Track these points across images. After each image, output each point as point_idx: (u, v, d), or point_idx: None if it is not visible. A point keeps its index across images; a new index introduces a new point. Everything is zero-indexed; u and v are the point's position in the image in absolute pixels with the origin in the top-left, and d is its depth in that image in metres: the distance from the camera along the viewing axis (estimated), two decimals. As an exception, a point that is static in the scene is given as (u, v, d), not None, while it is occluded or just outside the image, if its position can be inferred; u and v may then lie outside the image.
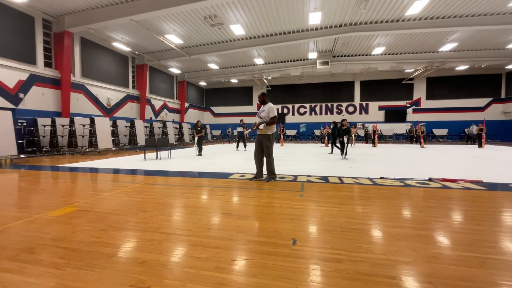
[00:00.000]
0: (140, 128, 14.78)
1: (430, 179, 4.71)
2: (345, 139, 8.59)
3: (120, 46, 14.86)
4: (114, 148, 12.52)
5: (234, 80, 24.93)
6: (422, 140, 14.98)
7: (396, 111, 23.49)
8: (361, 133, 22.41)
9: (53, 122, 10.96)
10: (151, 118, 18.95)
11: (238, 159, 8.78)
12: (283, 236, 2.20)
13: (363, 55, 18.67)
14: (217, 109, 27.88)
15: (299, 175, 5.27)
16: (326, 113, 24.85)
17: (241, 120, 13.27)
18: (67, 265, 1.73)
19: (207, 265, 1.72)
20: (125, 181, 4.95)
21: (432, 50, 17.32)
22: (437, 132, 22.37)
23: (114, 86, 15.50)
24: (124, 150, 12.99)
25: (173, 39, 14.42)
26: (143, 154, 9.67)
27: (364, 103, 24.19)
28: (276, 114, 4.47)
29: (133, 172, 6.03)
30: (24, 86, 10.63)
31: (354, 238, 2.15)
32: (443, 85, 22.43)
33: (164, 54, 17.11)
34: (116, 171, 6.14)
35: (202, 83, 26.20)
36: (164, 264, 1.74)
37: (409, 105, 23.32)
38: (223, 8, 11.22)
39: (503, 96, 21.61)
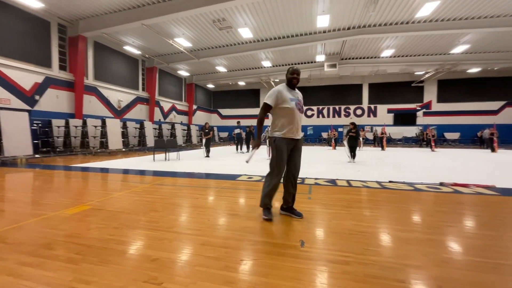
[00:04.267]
0: (149, 130, 15.04)
1: (441, 184, 4.62)
2: (345, 143, 8.60)
3: (131, 49, 15.24)
4: (124, 149, 12.79)
5: (241, 83, 25.10)
6: (433, 144, 14.67)
7: (405, 114, 23.11)
8: (370, 136, 22.12)
9: (67, 123, 11.30)
10: (160, 120, 19.27)
11: (245, 160, 8.81)
12: (291, 238, 2.22)
13: (371, 57, 18.51)
14: (225, 111, 28.10)
15: (306, 177, 5.27)
16: (333, 116, 24.68)
17: (238, 122, 13.30)
18: (83, 260, 1.80)
19: (216, 264, 1.76)
20: (135, 181, 5.06)
21: (443, 52, 17.01)
22: (449, 135, 21.85)
23: (125, 88, 15.88)
24: (133, 151, 13.26)
25: (182, 42, 14.68)
26: (152, 155, 9.85)
27: (372, 106, 23.90)
28: (266, 101, 2.62)
29: (142, 172, 6.16)
30: (40, 89, 11.02)
31: (362, 241, 2.14)
32: (455, 87, 21.95)
33: (173, 57, 17.43)
34: (126, 172, 6.28)
35: (210, 86, 26.49)
36: (175, 262, 1.79)
37: (419, 108, 22.90)
38: (232, 11, 11.37)
39: (518, 99, 20.96)
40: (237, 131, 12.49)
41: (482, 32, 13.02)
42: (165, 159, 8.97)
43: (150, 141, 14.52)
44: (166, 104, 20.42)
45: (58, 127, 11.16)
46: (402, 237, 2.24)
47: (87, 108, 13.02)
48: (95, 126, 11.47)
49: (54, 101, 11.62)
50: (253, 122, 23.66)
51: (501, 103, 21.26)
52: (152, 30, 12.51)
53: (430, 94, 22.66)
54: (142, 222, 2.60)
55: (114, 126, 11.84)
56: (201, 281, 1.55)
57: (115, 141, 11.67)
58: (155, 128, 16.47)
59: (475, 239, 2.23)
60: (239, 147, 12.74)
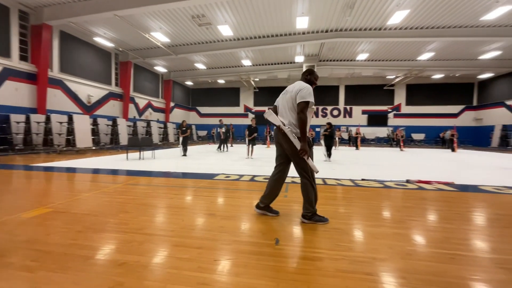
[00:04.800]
0: (123, 127, 14.32)
1: (408, 181, 4.94)
2: (322, 142, 8.93)
3: (102, 41, 14.34)
4: (94, 147, 12.02)
5: (221, 81, 24.80)
6: (401, 144, 15.65)
7: (378, 115, 24.40)
8: (345, 136, 23.03)
9: (28, 119, 10.35)
10: (134, 117, 18.40)
11: (223, 160, 8.74)
12: (267, 236, 2.22)
13: (348, 60, 19.24)
14: (204, 110, 27.60)
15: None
16: (311, 116, 25.29)
17: (220, 121, 13.09)
18: (40, 268, 1.65)
19: (189, 265, 1.70)
20: (105, 181, 4.77)
21: (412, 59, 18.19)
22: (415, 136, 23.47)
23: (95, 82, 14.92)
24: (105, 149, 12.52)
25: (160, 37, 14.13)
26: (126, 154, 9.37)
27: (348, 107, 24.92)
28: (311, 99, 2.47)
29: (114, 172, 5.83)
30: (-4, 80, 9.97)
31: (335, 237, 2.21)
32: (421, 92, 23.61)
33: (149, 52, 16.71)
34: (96, 171, 5.90)
35: (189, 83, 25.83)
36: (144, 265, 1.70)
37: (390, 110, 24.32)
38: (211, 8, 11.16)
39: (475, 104, 23.10)
40: (221, 129, 12.18)
41: (445, 41, 14.12)
42: (140, 158, 8.58)
43: (123, 139, 13.82)
44: (142, 100, 19.55)
45: (18, 123, 10.18)
46: (371, 232, 2.35)
47: (51, 103, 12.03)
48: (61, 123, 10.65)
49: (13, 94, 10.57)
50: (233, 121, 23.50)
51: (461, 107, 23.30)
52: (127, 22, 11.88)
53: (400, 97, 24.15)
54: (110, 224, 2.45)
55: (82, 123, 11.09)
56: (172, 284, 1.49)
57: (83, 138, 10.93)
58: (129, 126, 15.71)
59: (436, 231, 2.40)
60: (221, 146, 12.47)
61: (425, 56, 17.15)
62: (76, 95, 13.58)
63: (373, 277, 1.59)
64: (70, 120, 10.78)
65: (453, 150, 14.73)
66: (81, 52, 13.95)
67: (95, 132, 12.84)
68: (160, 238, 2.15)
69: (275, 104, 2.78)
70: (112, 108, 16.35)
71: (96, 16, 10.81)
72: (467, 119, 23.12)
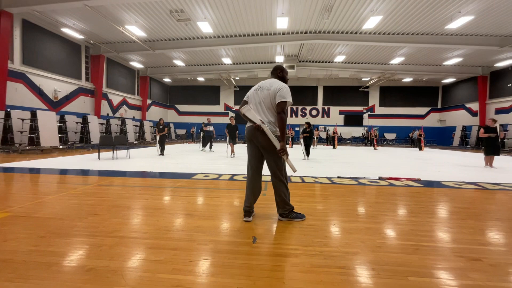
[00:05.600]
0: (95, 125, 13.51)
1: (380, 178, 5.21)
2: (302, 141, 9.16)
3: (71, 33, 13.38)
4: (61, 146, 11.20)
5: (201, 79, 24.33)
6: (375, 143, 16.49)
7: (354, 115, 25.48)
8: (323, 135, 23.76)
9: (-17, 114, 9.38)
10: (108, 114, 17.44)
11: (202, 159, 8.60)
12: (244, 235, 2.22)
13: (326, 62, 19.83)
14: (182, 108, 26.91)
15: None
16: (291, 116, 25.77)
17: (208, 119, 12.84)
18: (-7, 278, 1.49)
19: (163, 267, 1.65)
20: (73, 182, 4.47)
21: (384, 62, 19.22)
22: (388, 136, 24.88)
23: (63, 77, 13.89)
24: (74, 148, 11.72)
25: (135, 31, 13.51)
26: (97, 153, 8.86)
27: (326, 107, 25.72)
28: (290, 99, 2.43)
29: (84, 172, 5.48)
30: None
31: (311, 234, 2.27)
32: (393, 94, 25.06)
33: (124, 46, 15.91)
34: (63, 172, 5.51)
35: (167, 80, 25.02)
36: (114, 270, 1.61)
37: (365, 111, 25.51)
38: (191, 3, 10.89)
39: (439, 106, 25.00)
40: (209, 128, 11.80)
41: (414, 47, 15.10)
42: (113, 157, 8.15)
43: (95, 137, 13.04)
44: (116, 97, 18.58)
45: (-29, 119, 9.20)
46: (345, 228, 2.44)
47: (12, 98, 11.00)
48: (23, 119, 9.78)
49: (-35, 87, 9.52)
50: (213, 120, 23.17)
51: (427, 109, 25.09)
52: (98, 14, 11.19)
53: (374, 98, 25.43)
54: (78, 228, 2.30)
55: (48, 120, 10.28)
56: (144, 288, 1.43)
57: (49, 137, 10.14)
58: (101, 124, 14.86)
59: (403, 225, 2.56)
60: (206, 144, 12.11)
61: (396, 60, 18.21)
62: (41, 89, 12.55)
63: (345, 270, 1.65)
64: (34, 117, 9.94)
65: (420, 149, 15.81)
66: (47, 43, 12.90)
67: (62, 130, 11.98)
68: (133, 241, 2.05)
69: (245, 99, 2.57)
70: (82, 104, 15.34)
71: (63, 5, 10.05)
72: (433, 120, 24.96)
